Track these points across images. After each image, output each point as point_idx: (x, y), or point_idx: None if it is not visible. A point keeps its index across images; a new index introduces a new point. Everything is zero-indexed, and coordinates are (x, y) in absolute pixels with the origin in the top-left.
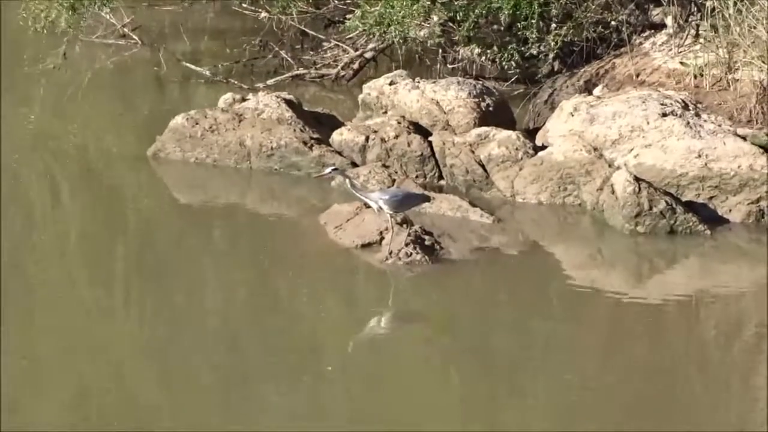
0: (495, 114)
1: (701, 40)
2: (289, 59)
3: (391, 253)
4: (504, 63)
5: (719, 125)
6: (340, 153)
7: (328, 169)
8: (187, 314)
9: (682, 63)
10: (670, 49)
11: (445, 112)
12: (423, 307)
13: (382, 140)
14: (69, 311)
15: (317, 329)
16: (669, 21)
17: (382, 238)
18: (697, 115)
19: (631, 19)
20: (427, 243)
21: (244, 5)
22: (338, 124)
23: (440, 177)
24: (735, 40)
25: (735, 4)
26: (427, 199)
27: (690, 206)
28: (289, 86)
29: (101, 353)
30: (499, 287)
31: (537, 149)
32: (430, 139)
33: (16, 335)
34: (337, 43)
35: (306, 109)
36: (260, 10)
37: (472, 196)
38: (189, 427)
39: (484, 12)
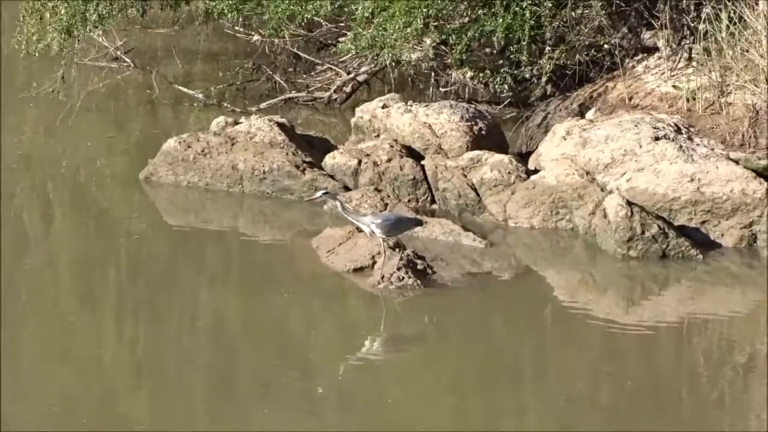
0: (487, 137)
1: (694, 64)
2: (281, 82)
3: (383, 277)
4: (496, 86)
5: (712, 149)
6: (332, 176)
7: (319, 193)
8: (179, 337)
9: (674, 86)
10: (663, 73)
11: (437, 136)
12: (415, 331)
13: (375, 164)
14: (59, 335)
15: (309, 352)
16: (661, 44)
17: (375, 262)
18: (690, 138)
19: (624, 42)
20: (419, 267)
21: (236, 28)
22: (331, 148)
23: (432, 201)
24: (728, 63)
25: (728, 27)
26: (420, 223)
27: (682, 230)
28: (282, 109)
29: (92, 377)
30: (492, 311)
31: (529, 173)
32: (422, 162)
33: (5, 359)
34: (329, 66)
35: (298, 132)
36: (253, 33)
37: (465, 220)
38: None
39: (476, 35)
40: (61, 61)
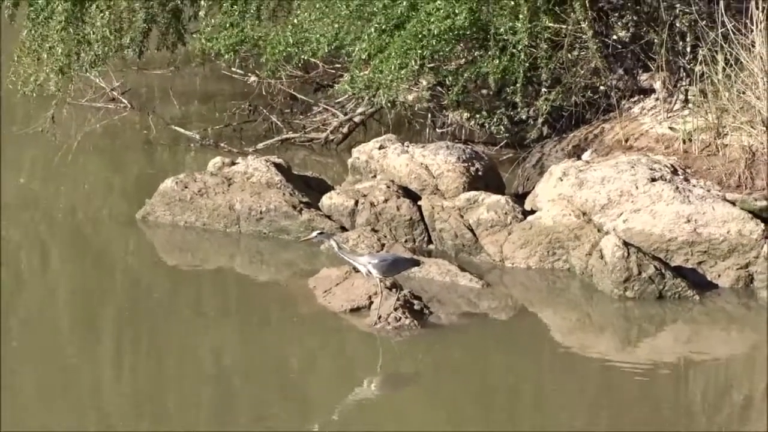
0: (484, 178)
1: (690, 106)
2: (278, 123)
3: (380, 317)
4: (493, 127)
5: (708, 190)
6: (329, 217)
7: (314, 233)
8: (175, 377)
9: (671, 128)
10: (659, 114)
11: (434, 177)
12: (412, 371)
13: (372, 204)
14: (57, 375)
15: (306, 391)
16: (658, 86)
17: (371, 303)
18: (686, 180)
19: (620, 84)
20: (416, 307)
21: (233, 69)
22: (328, 188)
23: (429, 241)
24: (724, 105)
25: (724, 69)
26: (416, 263)
27: (679, 271)
28: (279, 150)
29: (89, 415)
30: (489, 351)
31: (526, 213)
32: (419, 203)
33: (4, 398)
34: (326, 107)
35: (295, 172)
36: (249, 74)
37: (461, 261)
38: None
39: (473, 76)
40: (53, 102)
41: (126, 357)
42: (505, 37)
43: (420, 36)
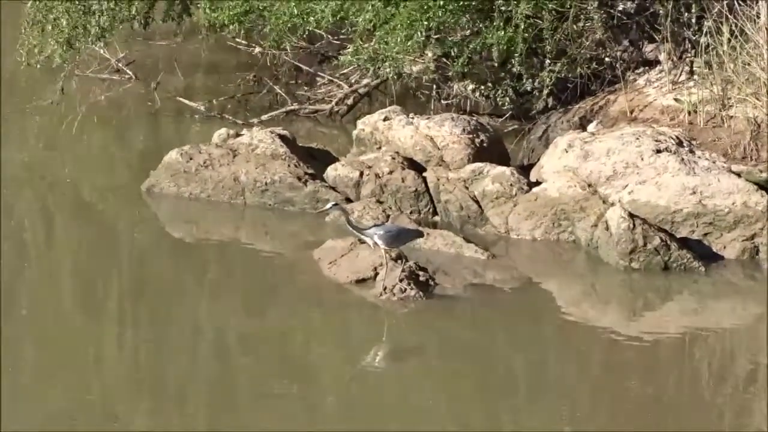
0: (489, 150)
1: (695, 77)
2: (283, 95)
3: (385, 288)
4: (498, 99)
5: (713, 162)
6: (334, 188)
7: (329, 205)
8: (180, 348)
9: (676, 100)
10: (664, 86)
11: (439, 148)
12: (417, 343)
13: (377, 176)
14: (61, 347)
15: (310, 364)
16: (663, 58)
17: (377, 274)
18: (692, 151)
19: (625, 55)
20: (421, 279)
21: (238, 40)
22: (332, 160)
23: (434, 213)
24: (729, 77)
25: (729, 41)
26: (421, 234)
27: (684, 243)
28: (284, 121)
29: (92, 388)
30: (494, 323)
31: (531, 185)
32: (424, 174)
33: (5, 370)
34: (331, 78)
35: (300, 144)
36: (254, 45)
37: (467, 232)
38: None
39: (478, 48)
40: (61, 74)
41: (128, 330)
42: (510, 8)
43: (426, 7)
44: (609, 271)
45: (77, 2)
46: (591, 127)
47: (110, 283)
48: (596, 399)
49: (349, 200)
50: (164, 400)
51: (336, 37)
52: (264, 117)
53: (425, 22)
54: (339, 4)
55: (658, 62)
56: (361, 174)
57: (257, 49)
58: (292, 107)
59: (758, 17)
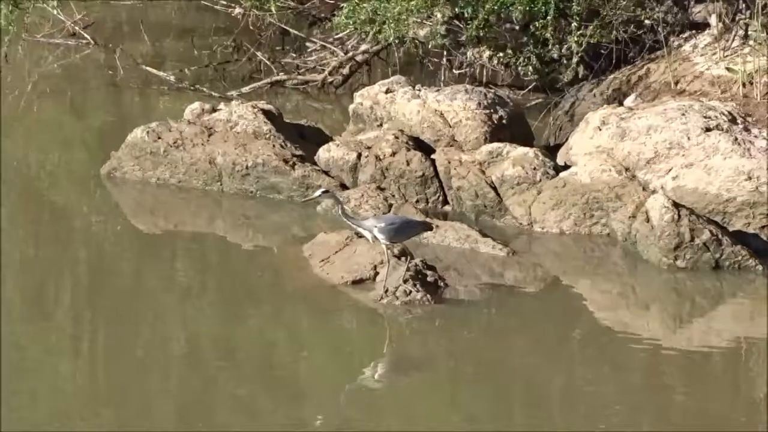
0: (509, 127)
1: (750, 42)
2: (267, 63)
3: (387, 291)
4: (519, 68)
5: None
6: (327, 173)
7: (318, 192)
8: (146, 361)
9: (728, 69)
10: (715, 53)
11: (450, 126)
12: (424, 356)
13: (377, 158)
14: (7, 358)
15: (299, 380)
16: (713, 20)
17: (377, 274)
18: (747, 129)
19: (669, 17)
20: (429, 279)
21: None
22: (325, 139)
23: (445, 201)
24: None
25: None
26: (429, 227)
27: (738, 237)
28: (268, 94)
29: (45, 404)
30: (514, 332)
31: (558, 169)
32: (432, 156)
33: None
34: (323, 44)
35: (287, 121)
36: (233, 5)
37: (483, 225)
38: None
39: (495, 8)
40: (6, 38)
41: (85, 340)
42: None
43: None
44: (650, 271)
45: None
46: (629, 101)
47: (63, 285)
48: (635, 422)
49: (344, 187)
50: (126, 420)
51: None
52: (245, 89)
53: None
54: None
55: (707, 25)
56: (359, 156)
57: (237, 10)
58: (278, 78)
59: None
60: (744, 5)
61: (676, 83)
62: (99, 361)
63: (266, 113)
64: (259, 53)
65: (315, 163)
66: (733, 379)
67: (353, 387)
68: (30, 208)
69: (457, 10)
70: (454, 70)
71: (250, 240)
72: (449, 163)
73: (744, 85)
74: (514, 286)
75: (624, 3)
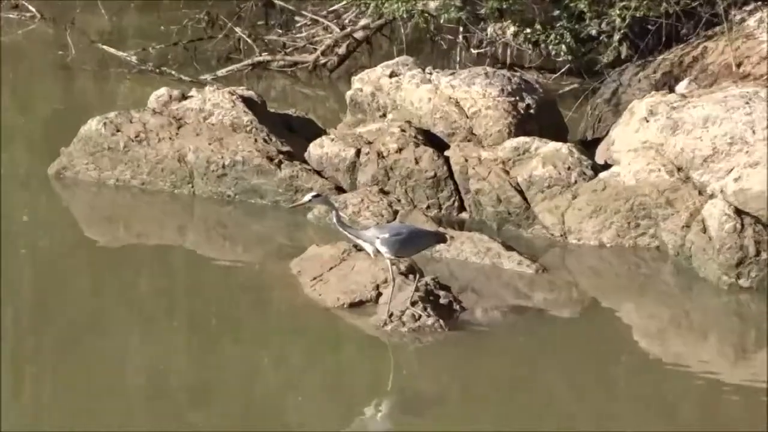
0: (538, 119)
1: None
2: (248, 40)
3: (391, 315)
4: (550, 47)
5: None
6: (319, 173)
7: (308, 197)
8: (102, 398)
9: None
10: None
11: (467, 116)
12: (435, 394)
13: (380, 155)
14: None
15: (288, 422)
16: None
17: (380, 295)
18: None
19: None
20: (442, 301)
21: None
22: (317, 132)
23: (461, 208)
24: None
25: None
26: (443, 238)
27: None
28: (249, 78)
29: None
30: (544, 366)
31: (597, 169)
32: (446, 153)
33: None
34: (315, 18)
35: (272, 110)
36: None
37: (507, 235)
38: None
39: None
40: None
41: (27, 381)
42: None
43: None
44: (707, 291)
45: None
46: (681, 87)
47: (2, 311)
48: None
49: (340, 190)
50: None
51: None
52: (221, 72)
53: None
54: None
55: None
56: (358, 152)
57: None
58: (261, 58)
59: None
60: None
61: (739, 65)
62: (46, 397)
63: (246, 101)
64: (237, 29)
65: (305, 162)
66: None
67: (353, 427)
68: None
69: None
70: (471, 50)
71: (228, 254)
72: (466, 161)
73: None
74: (543, 310)
75: None
